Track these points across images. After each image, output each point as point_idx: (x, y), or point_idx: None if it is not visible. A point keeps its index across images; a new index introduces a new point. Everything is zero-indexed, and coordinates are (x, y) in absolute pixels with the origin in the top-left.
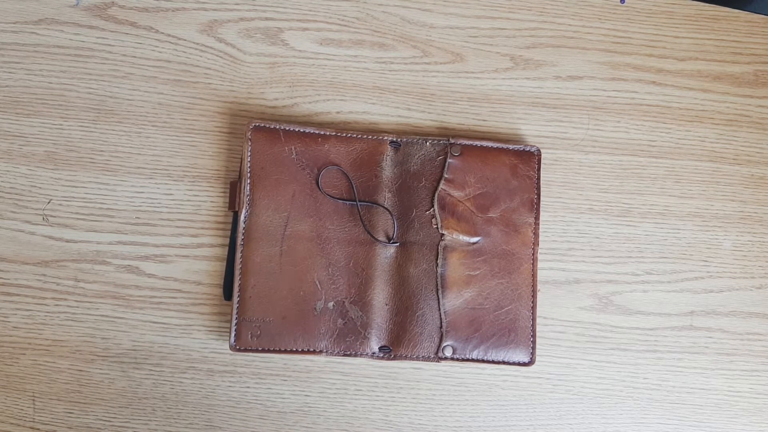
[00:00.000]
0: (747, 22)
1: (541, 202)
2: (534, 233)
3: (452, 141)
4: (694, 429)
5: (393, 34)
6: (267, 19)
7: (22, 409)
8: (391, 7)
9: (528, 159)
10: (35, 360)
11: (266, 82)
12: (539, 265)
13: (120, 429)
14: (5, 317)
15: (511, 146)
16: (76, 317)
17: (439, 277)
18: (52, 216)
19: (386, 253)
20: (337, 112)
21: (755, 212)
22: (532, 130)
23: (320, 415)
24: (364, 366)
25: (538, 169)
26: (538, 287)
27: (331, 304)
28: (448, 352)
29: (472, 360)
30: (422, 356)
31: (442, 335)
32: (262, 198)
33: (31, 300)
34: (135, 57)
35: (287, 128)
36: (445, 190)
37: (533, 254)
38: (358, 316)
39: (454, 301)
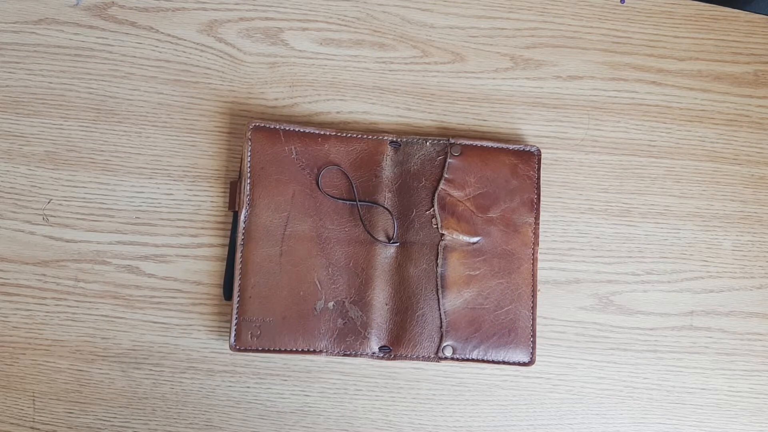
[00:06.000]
0: (747, 22)
1: (541, 202)
2: (534, 233)
3: (452, 141)
4: (694, 429)
5: (393, 34)
6: (267, 19)
7: (22, 409)
8: (391, 7)
9: (528, 159)
10: (35, 360)
11: (266, 82)
12: (539, 265)
13: (120, 429)
14: (5, 317)
15: (511, 146)
16: (76, 317)
17: (439, 277)
18: (52, 216)
19: (386, 253)
20: (337, 112)
21: (755, 212)
22: (532, 130)
23: (320, 415)
24: (364, 366)
25: (538, 169)
26: (538, 287)
27: (331, 304)
28: (448, 352)
29: (472, 360)
30: (422, 356)
31: (442, 335)
32: (262, 198)
33: (31, 300)
34: (135, 57)
35: (287, 128)
36: (445, 190)
37: (533, 254)
38: (358, 316)
39: (454, 301)
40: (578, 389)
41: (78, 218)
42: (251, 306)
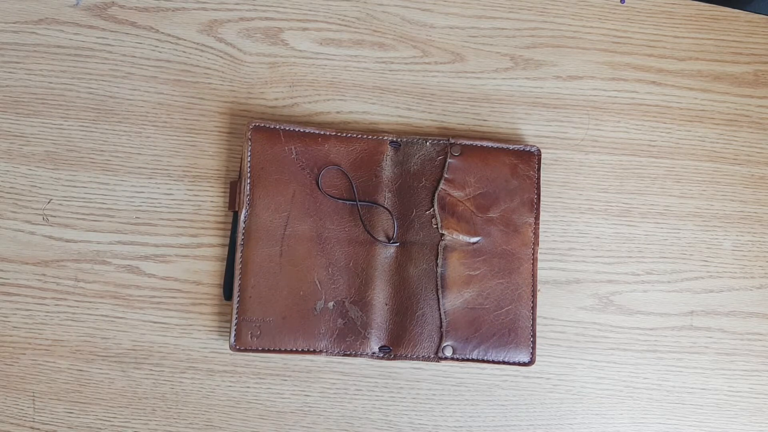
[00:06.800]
0: (747, 22)
1: (541, 202)
2: (534, 233)
3: (452, 141)
4: (694, 429)
5: (393, 34)
6: (267, 19)
7: (22, 409)
8: (391, 7)
9: (528, 159)
10: (35, 360)
11: (266, 82)
12: (539, 265)
13: (120, 429)
14: (5, 317)
15: (511, 146)
16: (76, 317)
17: (439, 277)
18: (52, 216)
19: (386, 253)
20: (337, 112)
21: (755, 212)
22: (532, 130)
23: (320, 415)
24: (364, 366)
25: (538, 169)
26: (538, 287)
27: (331, 304)
28: (448, 352)
29: (472, 360)
30: (422, 356)
31: (442, 335)
32: (262, 198)
33: (31, 300)
34: (135, 57)
35: (287, 128)
36: (445, 190)
37: (533, 254)
38: (358, 316)
39: (454, 301)
40: (578, 389)
41: (78, 218)
42: (251, 306)
